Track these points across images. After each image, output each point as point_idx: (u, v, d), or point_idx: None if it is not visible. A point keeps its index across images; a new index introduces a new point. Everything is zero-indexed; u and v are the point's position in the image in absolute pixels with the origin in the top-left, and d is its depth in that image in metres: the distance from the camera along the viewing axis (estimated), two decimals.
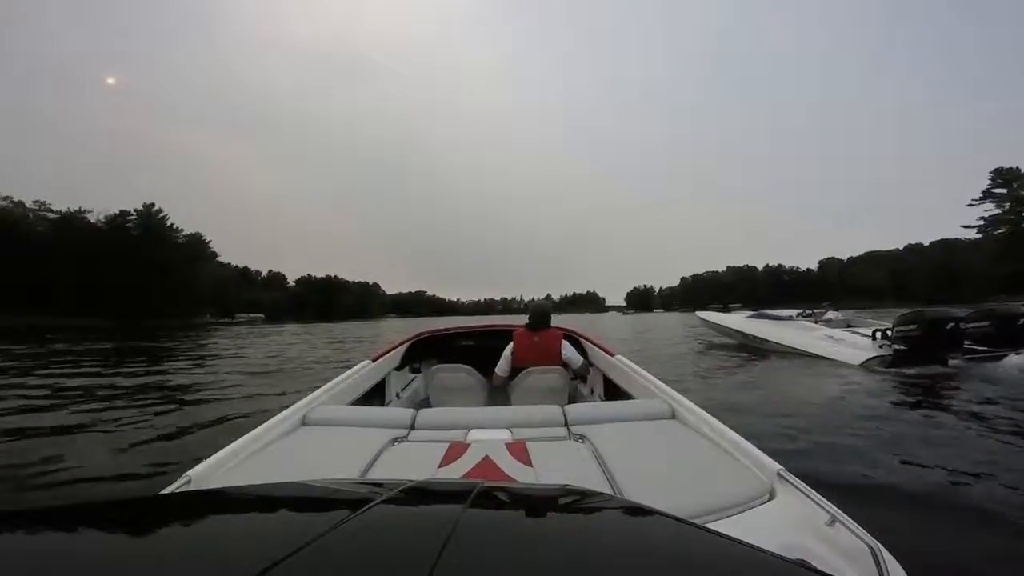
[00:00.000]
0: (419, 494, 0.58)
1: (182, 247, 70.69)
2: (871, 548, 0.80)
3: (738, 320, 11.38)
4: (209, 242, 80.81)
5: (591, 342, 3.20)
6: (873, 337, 7.60)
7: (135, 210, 67.85)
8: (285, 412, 1.82)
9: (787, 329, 9.67)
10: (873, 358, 7.04)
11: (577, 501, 0.60)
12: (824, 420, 3.82)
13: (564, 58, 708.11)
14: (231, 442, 1.46)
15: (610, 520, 0.55)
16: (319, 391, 2.22)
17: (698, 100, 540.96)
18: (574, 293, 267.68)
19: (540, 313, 2.99)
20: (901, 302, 63.17)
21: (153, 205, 69.06)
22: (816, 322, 10.48)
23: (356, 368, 2.73)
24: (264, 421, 1.69)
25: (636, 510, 0.60)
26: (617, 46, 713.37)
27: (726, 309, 18.75)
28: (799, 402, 4.56)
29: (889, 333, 7.24)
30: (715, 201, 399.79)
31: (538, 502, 0.61)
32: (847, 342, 8.05)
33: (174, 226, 70.70)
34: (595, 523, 0.54)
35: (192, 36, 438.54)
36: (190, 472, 1.23)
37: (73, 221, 60.59)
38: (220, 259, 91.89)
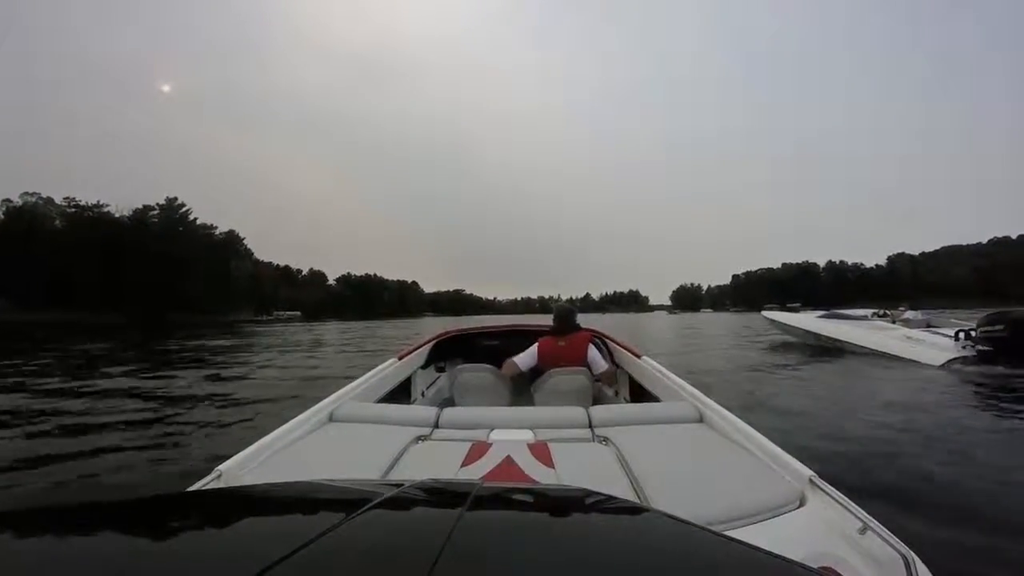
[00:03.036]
0: (420, 494, 0.59)
1: (207, 242, 71.38)
2: (904, 557, 0.80)
3: (809, 320, 11.57)
4: (244, 239, 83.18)
5: (617, 343, 3.26)
6: (956, 338, 7.76)
7: (157, 204, 68.19)
8: (313, 408, 1.91)
9: (863, 329, 9.81)
10: (955, 359, 7.23)
11: (580, 502, 0.61)
12: (900, 423, 3.92)
13: (606, 56, 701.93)
14: (261, 437, 1.56)
15: (613, 522, 0.56)
16: (346, 388, 2.31)
17: (747, 96, 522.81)
18: (615, 292, 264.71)
19: (563, 314, 3.04)
20: (990, 301, 58.72)
21: (176, 199, 69.61)
22: (894, 322, 10.61)
23: (383, 366, 2.84)
24: (293, 417, 1.78)
25: (642, 513, 0.61)
26: (661, 42, 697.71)
27: (785, 309, 18.78)
28: (874, 404, 4.70)
29: (973, 333, 7.41)
30: (765, 197, 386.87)
31: (540, 503, 0.63)
32: (928, 343, 8.24)
33: (196, 220, 71.26)
34: (597, 525, 0.55)
35: (237, 41, 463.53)
36: (220, 467, 1.30)
37: (90, 215, 61.40)
38: (262, 258, 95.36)
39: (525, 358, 2.94)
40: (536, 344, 2.97)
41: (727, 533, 0.56)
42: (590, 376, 2.76)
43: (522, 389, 2.92)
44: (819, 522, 1.04)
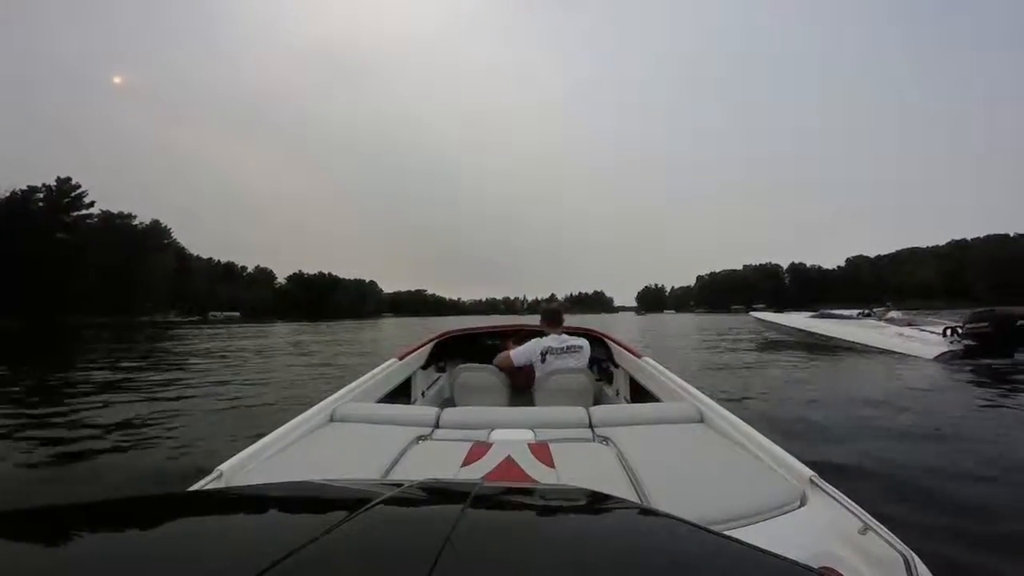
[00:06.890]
0: (421, 494, 0.62)
1: (125, 233, 65.37)
2: (904, 557, 0.83)
3: (801, 320, 12.87)
4: (169, 229, 76.71)
5: (617, 343, 3.38)
6: (944, 334, 8.93)
7: (44, 185, 60.31)
8: (314, 408, 1.96)
9: (855, 327, 11.03)
10: (946, 352, 8.33)
11: (581, 502, 0.63)
12: (912, 413, 4.45)
13: (564, 57, 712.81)
14: (263, 437, 1.61)
15: (613, 522, 0.57)
16: (347, 388, 2.38)
17: (702, 99, 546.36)
18: (580, 292, 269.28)
19: (551, 313, 3.19)
20: (957, 301, 60.60)
21: (69, 180, 62.09)
22: (879, 320, 11.85)
23: (383, 366, 2.93)
24: (294, 417, 1.84)
25: (643, 512, 0.64)
26: (619, 45, 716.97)
27: (751, 309, 20.38)
28: (886, 395, 5.37)
29: (960, 330, 8.58)
30: (724, 199, 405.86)
31: (540, 503, 0.66)
32: (918, 339, 9.40)
33: (94, 204, 64.23)
34: (597, 525, 0.57)
35: (191, 35, 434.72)
36: (222, 466, 1.33)
37: None
38: (206, 254, 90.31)
39: (522, 352, 3.02)
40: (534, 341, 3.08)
41: (728, 533, 0.57)
42: (591, 375, 2.89)
43: (522, 389, 3.03)
44: (820, 522, 1.08)
